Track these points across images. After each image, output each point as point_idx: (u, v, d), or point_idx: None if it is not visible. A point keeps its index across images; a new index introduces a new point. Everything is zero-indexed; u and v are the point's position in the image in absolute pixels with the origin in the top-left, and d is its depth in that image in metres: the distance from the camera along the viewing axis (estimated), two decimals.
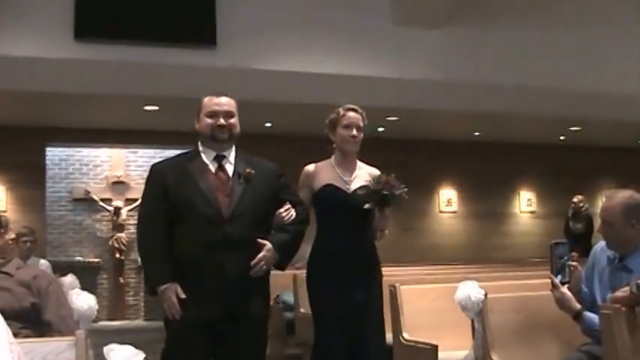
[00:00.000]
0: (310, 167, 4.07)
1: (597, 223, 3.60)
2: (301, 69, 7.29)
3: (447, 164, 11.88)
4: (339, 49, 7.50)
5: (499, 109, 8.61)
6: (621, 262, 3.32)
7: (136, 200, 10.24)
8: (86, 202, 10.99)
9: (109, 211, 10.99)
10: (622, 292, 2.91)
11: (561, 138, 11.37)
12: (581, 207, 9.98)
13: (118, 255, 10.91)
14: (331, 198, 3.96)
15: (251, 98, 7.32)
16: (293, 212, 3.49)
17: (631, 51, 8.69)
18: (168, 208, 3.31)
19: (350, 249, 3.92)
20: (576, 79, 8.39)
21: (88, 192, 10.92)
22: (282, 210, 3.45)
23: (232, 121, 3.42)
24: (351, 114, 4.01)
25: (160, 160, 3.70)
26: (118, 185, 11.06)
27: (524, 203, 12.84)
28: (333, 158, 4.09)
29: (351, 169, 4.07)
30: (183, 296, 3.23)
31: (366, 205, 3.80)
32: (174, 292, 3.23)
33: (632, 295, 2.81)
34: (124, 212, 10.92)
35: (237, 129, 3.44)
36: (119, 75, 7.25)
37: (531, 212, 12.85)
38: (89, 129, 9.91)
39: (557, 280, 3.15)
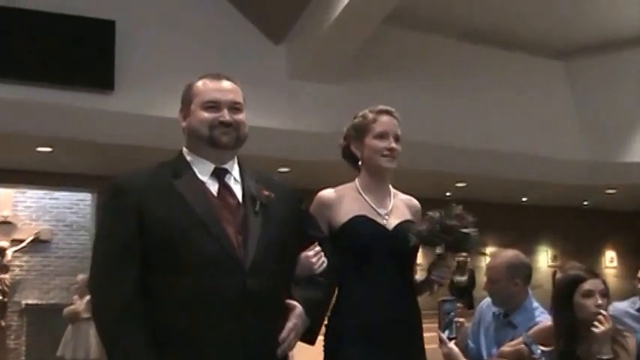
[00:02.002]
0: (328, 193, 2.93)
1: (480, 278, 3.80)
2: None
3: None
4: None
5: None
6: (506, 318, 3.55)
7: (22, 241, 10.04)
8: None
9: None
10: (508, 346, 3.18)
11: (447, 194, 11.82)
12: (465, 261, 10.28)
13: (0, 297, 10.60)
14: (365, 235, 2.83)
15: (146, 144, 7.41)
16: (323, 257, 2.52)
17: (511, 110, 9.24)
18: (145, 249, 2.21)
19: (391, 314, 2.81)
20: (459, 137, 8.82)
21: None
22: (310, 253, 2.49)
23: (240, 117, 2.40)
24: (386, 118, 2.97)
25: (124, 175, 2.40)
26: (4, 225, 10.72)
27: None
28: (357, 182, 2.99)
29: (384, 197, 2.99)
30: None
31: (438, 250, 2.83)
32: None
33: (518, 350, 3.10)
34: (9, 253, 10.61)
35: (246, 130, 2.43)
36: (12, 114, 7.13)
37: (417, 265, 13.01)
38: None
39: (444, 336, 3.09)
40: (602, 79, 9.22)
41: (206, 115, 2.36)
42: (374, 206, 2.91)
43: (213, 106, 2.37)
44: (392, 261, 2.84)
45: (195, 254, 2.20)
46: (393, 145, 2.91)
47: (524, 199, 12.55)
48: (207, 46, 7.62)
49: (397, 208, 2.97)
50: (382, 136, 2.92)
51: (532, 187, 11.06)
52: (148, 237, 2.22)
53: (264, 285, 2.23)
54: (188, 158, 2.40)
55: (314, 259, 2.49)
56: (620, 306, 4.81)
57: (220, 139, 2.35)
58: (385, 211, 2.92)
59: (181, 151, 2.45)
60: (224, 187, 2.37)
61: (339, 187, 2.97)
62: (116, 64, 7.30)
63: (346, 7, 6.69)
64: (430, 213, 2.86)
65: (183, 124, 2.43)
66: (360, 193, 2.94)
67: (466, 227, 2.82)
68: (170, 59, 7.45)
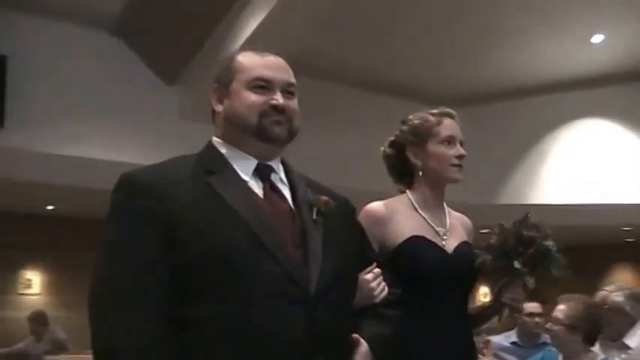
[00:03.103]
0: (379, 206, 2.52)
1: None
2: (85, 154, 7.37)
3: None
4: (124, 136, 7.67)
5: None
6: None
7: None
8: None
9: None
10: None
11: None
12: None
13: None
14: (426, 260, 2.43)
15: (32, 179, 7.34)
16: (383, 282, 2.06)
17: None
18: (174, 271, 1.67)
19: (451, 350, 2.42)
20: (354, 178, 9.04)
21: None
22: (369, 277, 2.02)
23: (295, 104, 1.92)
24: (450, 121, 2.61)
25: (140, 170, 1.85)
26: None
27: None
28: (411, 196, 2.59)
29: (441, 213, 2.62)
30: None
31: (517, 264, 2.36)
32: None
33: None
34: None
35: (300, 122, 1.92)
36: None
37: None
38: None
39: None
40: (478, 128, 9.65)
41: (254, 97, 1.85)
42: (432, 224, 2.53)
43: (264, 85, 1.86)
44: (453, 290, 2.44)
45: (247, 277, 1.66)
46: (462, 151, 2.56)
47: None
48: (100, 84, 7.63)
49: (454, 227, 2.59)
50: (449, 141, 2.55)
51: None
52: (179, 254, 1.67)
53: (333, 317, 1.75)
54: (223, 151, 1.88)
55: (373, 284, 2.00)
56: (496, 339, 5.11)
57: (272, 129, 1.84)
58: (444, 230, 2.54)
59: (210, 141, 1.94)
60: (272, 189, 1.86)
61: (389, 201, 2.55)
62: (7, 101, 7.20)
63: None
64: (504, 224, 2.46)
65: (219, 107, 1.92)
66: (415, 209, 2.54)
67: (546, 240, 2.41)
68: (61, 96, 7.41)
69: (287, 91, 1.90)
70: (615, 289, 3.93)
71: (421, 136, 2.58)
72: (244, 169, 1.86)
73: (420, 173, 2.59)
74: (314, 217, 1.86)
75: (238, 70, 1.91)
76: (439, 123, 2.58)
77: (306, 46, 7.00)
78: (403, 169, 2.66)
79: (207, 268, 1.67)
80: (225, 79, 1.93)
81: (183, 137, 8.08)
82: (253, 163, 1.88)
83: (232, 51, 2.03)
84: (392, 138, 2.71)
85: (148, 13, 7.24)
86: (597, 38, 7.86)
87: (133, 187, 1.76)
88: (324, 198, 1.89)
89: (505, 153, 9.51)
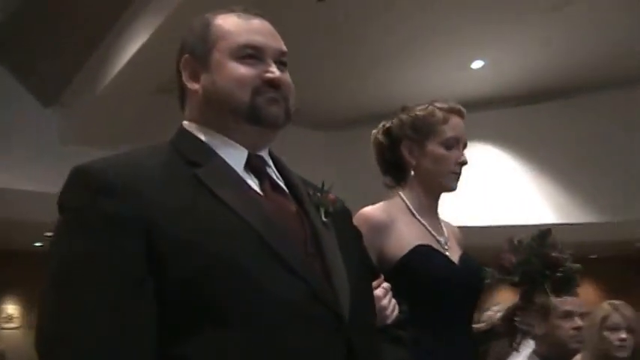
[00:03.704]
0: (378, 212, 2.21)
1: None
2: None
3: None
4: (4, 163, 7.39)
5: None
6: None
7: None
8: None
9: None
10: None
11: None
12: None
13: None
14: (436, 272, 2.14)
15: None
16: (394, 299, 1.74)
17: None
18: (162, 295, 1.26)
19: None
20: None
21: None
22: (379, 292, 1.69)
23: (289, 77, 1.55)
24: (458, 120, 2.32)
25: (101, 161, 1.38)
26: None
27: None
28: (405, 199, 2.31)
29: (437, 220, 2.36)
30: None
31: (546, 286, 2.14)
32: None
33: None
34: None
35: (294, 100, 1.55)
36: None
37: None
38: None
39: None
40: (357, 150, 9.75)
41: (243, 70, 1.47)
42: (434, 233, 2.25)
43: (253, 55, 1.49)
44: (464, 306, 2.18)
45: (260, 299, 1.26)
46: (465, 158, 2.29)
47: None
48: None
49: (451, 236, 2.34)
50: (453, 143, 2.27)
51: None
52: (165, 274, 1.25)
53: (370, 346, 1.43)
54: (203, 138, 1.48)
55: (385, 302, 1.68)
56: None
57: (268, 110, 1.47)
58: (444, 240, 2.27)
59: (182, 127, 1.54)
60: (271, 185, 1.49)
61: (385, 206, 2.26)
62: None
63: (119, 73, 6.73)
64: (517, 241, 2.22)
65: (193, 85, 1.52)
66: (413, 215, 2.25)
67: (570, 261, 2.20)
68: None
69: (280, 61, 1.53)
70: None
71: (422, 131, 2.27)
72: (233, 161, 1.46)
73: (412, 173, 2.30)
74: (323, 219, 1.51)
75: (219, 37, 1.51)
76: (445, 121, 2.28)
77: None
78: (394, 161, 2.36)
79: (205, 289, 1.24)
80: (201, 48, 1.51)
81: (62, 161, 7.86)
82: (243, 153, 1.48)
83: (204, 16, 1.59)
84: (387, 124, 2.40)
85: (24, 30, 7.02)
86: (477, 64, 8.11)
87: (97, 184, 1.29)
88: (331, 196, 1.56)
89: None
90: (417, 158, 2.30)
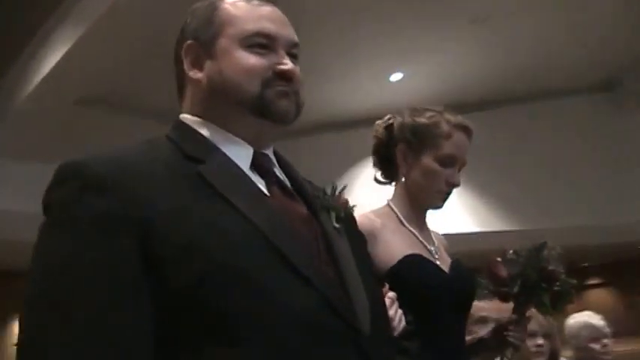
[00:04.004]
0: (369, 219, 2.11)
1: None
2: None
3: None
4: None
5: None
6: None
7: None
8: None
9: None
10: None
11: None
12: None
13: None
14: (428, 281, 2.05)
15: None
16: (400, 310, 1.71)
17: None
18: (161, 303, 1.13)
19: None
20: None
21: None
22: (385, 301, 1.61)
23: (298, 70, 1.42)
24: (462, 137, 2.19)
25: (93, 156, 1.24)
26: None
27: None
28: (394, 206, 2.24)
29: (426, 228, 2.28)
30: None
31: (545, 299, 2.10)
32: None
33: None
34: None
35: (304, 94, 1.43)
36: None
37: None
38: None
39: None
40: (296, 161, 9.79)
41: (254, 59, 1.36)
42: (424, 242, 2.17)
43: (264, 44, 1.38)
44: (455, 315, 2.08)
45: (272, 310, 1.14)
46: (457, 179, 2.16)
47: None
48: None
49: (440, 245, 2.26)
50: (448, 161, 2.15)
51: None
52: (166, 280, 1.12)
53: (387, 358, 1.36)
54: (203, 132, 1.37)
55: (391, 312, 1.62)
56: None
57: (279, 103, 1.36)
58: (434, 249, 2.19)
59: (180, 121, 1.42)
60: (278, 186, 1.38)
61: (375, 213, 2.16)
62: None
63: (39, 85, 6.62)
64: (511, 253, 2.16)
65: (195, 73, 1.40)
66: (401, 223, 2.17)
67: (565, 274, 2.15)
68: None
69: (291, 53, 1.42)
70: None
71: (421, 140, 2.16)
72: (238, 159, 1.33)
73: (403, 179, 2.22)
74: (334, 224, 1.39)
75: (227, 22, 1.38)
76: (449, 136, 2.15)
77: (111, 80, 6.86)
78: (387, 159, 2.28)
79: (210, 300, 1.11)
80: (207, 33, 1.39)
81: None
82: (249, 151, 1.36)
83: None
84: (390, 121, 2.29)
85: None
86: (396, 77, 8.22)
87: (84, 180, 1.16)
88: (343, 198, 1.45)
89: None
90: (409, 166, 2.20)
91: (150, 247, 1.13)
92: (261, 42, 1.37)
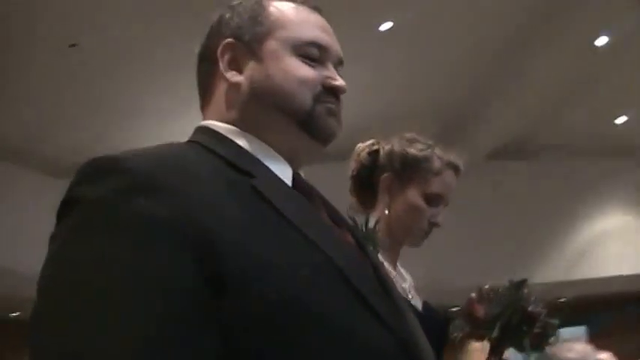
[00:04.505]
0: None
1: None
2: None
3: None
4: None
5: None
6: None
7: None
8: None
9: None
10: None
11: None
12: None
13: None
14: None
15: None
16: None
17: None
18: (225, 326, 0.93)
19: None
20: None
21: None
22: None
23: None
24: (451, 177, 2.06)
25: (134, 153, 1.04)
26: None
27: None
28: None
29: (397, 260, 2.10)
30: None
31: (525, 343, 1.96)
32: None
33: None
34: None
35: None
36: None
37: None
38: None
39: None
40: None
41: (306, 70, 1.21)
42: (397, 279, 1.98)
43: (315, 57, 1.24)
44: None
45: (348, 349, 0.99)
46: (440, 219, 2.02)
47: None
48: None
49: (411, 283, 2.11)
50: (435, 199, 2.01)
51: None
52: (230, 303, 0.94)
53: None
54: (242, 144, 1.19)
55: None
56: None
57: (327, 122, 1.22)
58: (407, 286, 2.05)
59: (208, 127, 1.23)
60: (326, 211, 1.24)
61: None
62: None
63: None
64: (488, 289, 1.99)
65: (234, 76, 1.22)
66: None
67: (546, 315, 2.02)
68: None
69: (336, 69, 1.28)
70: None
71: (410, 172, 2.01)
72: (283, 177, 1.18)
73: (386, 211, 2.02)
74: (374, 249, 1.30)
75: (278, 25, 1.24)
76: (439, 173, 2.01)
77: None
78: (367, 185, 2.09)
79: (282, 332, 0.96)
80: (253, 33, 1.24)
81: None
82: (288, 169, 1.20)
83: None
84: (375, 147, 2.10)
85: None
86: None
87: (137, 177, 0.98)
88: (375, 222, 1.38)
89: None
90: (392, 197, 2.02)
91: (210, 262, 0.94)
92: (313, 53, 1.23)
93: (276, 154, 1.19)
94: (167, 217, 0.94)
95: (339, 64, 1.28)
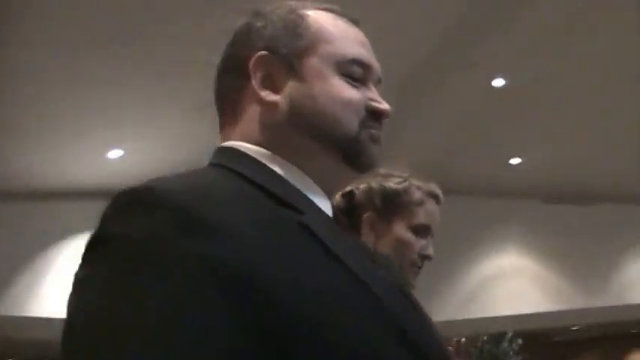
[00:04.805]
0: None
1: None
2: None
3: None
4: None
5: None
6: None
7: None
8: None
9: None
10: None
11: None
12: None
13: None
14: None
15: None
16: None
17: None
18: None
19: None
20: None
21: None
22: None
23: None
24: (434, 207, 1.98)
25: (168, 181, 0.94)
26: None
27: None
28: None
29: None
30: None
31: None
32: None
33: None
34: None
35: None
36: None
37: None
38: None
39: None
40: None
41: (352, 92, 1.10)
42: None
43: (358, 76, 1.12)
44: None
45: None
46: (431, 252, 1.93)
47: None
48: None
49: None
50: (422, 230, 1.92)
51: None
52: (278, 351, 0.85)
53: None
54: (279, 171, 1.07)
55: None
56: None
57: (371, 150, 1.11)
58: None
59: (237, 150, 1.10)
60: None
61: None
62: None
63: None
64: (464, 343, 1.53)
65: (272, 96, 1.10)
66: None
67: None
68: None
69: (376, 88, 1.17)
70: None
71: (391, 206, 1.92)
72: (326, 211, 1.10)
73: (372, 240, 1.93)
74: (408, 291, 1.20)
75: (321, 38, 1.11)
76: (421, 203, 1.93)
77: None
78: (351, 225, 1.90)
79: None
80: (292, 46, 1.11)
81: None
82: (326, 201, 1.11)
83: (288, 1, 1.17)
84: (348, 188, 1.94)
85: None
86: (115, 153, 8.08)
87: (189, 215, 0.88)
88: (398, 271, 1.24)
89: (10, 259, 8.77)
90: (379, 237, 1.90)
91: (259, 301, 0.86)
92: (357, 72, 1.12)
93: (315, 185, 1.09)
94: (221, 261, 0.85)
95: (378, 83, 1.16)
